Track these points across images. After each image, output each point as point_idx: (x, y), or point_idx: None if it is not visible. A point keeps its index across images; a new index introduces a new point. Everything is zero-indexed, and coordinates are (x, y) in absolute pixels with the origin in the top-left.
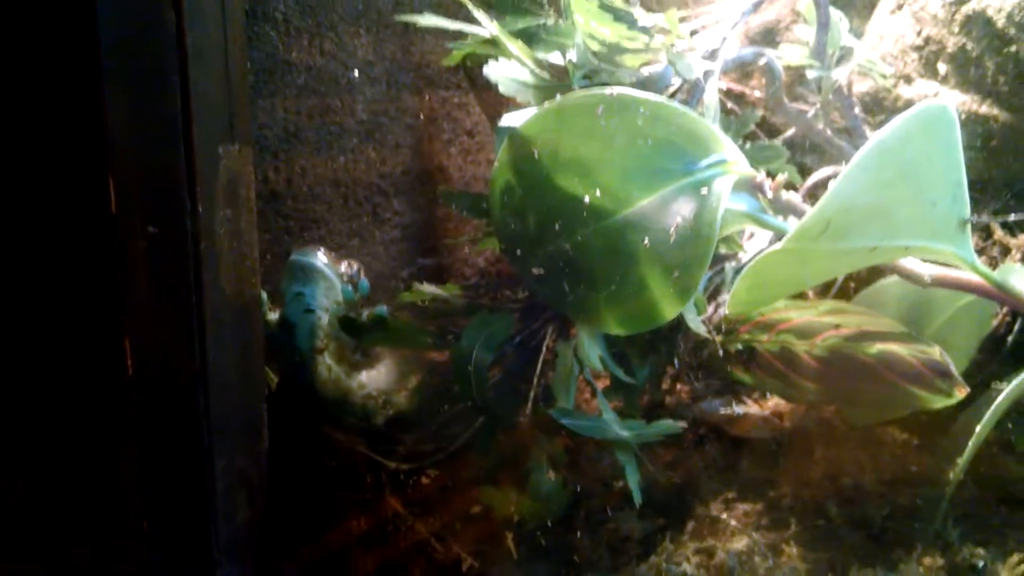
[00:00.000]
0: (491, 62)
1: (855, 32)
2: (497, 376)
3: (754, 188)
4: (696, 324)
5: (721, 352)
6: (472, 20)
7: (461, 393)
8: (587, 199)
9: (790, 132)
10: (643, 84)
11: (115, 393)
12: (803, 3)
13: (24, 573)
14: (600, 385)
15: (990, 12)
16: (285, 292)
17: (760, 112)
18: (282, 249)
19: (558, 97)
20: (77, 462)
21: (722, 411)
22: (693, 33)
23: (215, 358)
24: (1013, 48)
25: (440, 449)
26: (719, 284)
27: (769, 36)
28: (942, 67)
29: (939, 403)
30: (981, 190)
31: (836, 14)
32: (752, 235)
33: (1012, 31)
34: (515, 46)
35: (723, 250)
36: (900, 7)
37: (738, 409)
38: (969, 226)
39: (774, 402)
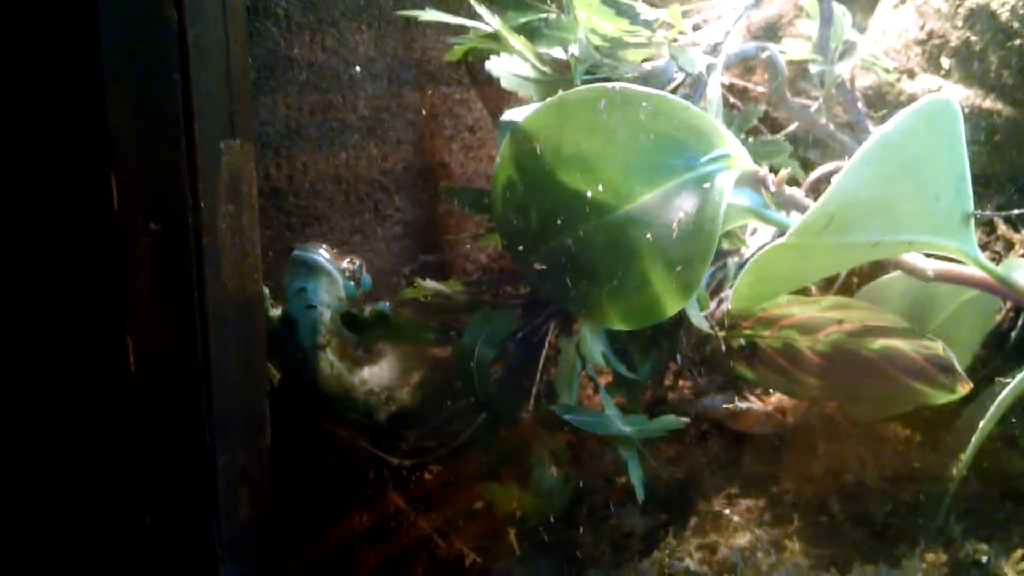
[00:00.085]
0: (493, 57)
1: (858, 26)
2: (499, 372)
3: (757, 183)
4: (699, 320)
5: (724, 348)
6: (474, 15)
7: (463, 389)
8: (589, 194)
9: (793, 127)
10: (645, 79)
11: (117, 390)
12: None
13: (26, 571)
14: (602, 381)
15: (994, 6)
16: (287, 288)
17: (763, 107)
18: (284, 245)
19: (560, 92)
20: (79, 459)
21: (725, 407)
22: (695, 28)
23: (217, 354)
24: (1017, 42)
25: (442, 445)
26: (722, 279)
27: (772, 31)
28: (945, 61)
29: (942, 399)
30: (985, 185)
31: (839, 8)
32: (755, 230)
33: (1016, 25)
34: (517, 41)
35: (726, 245)
36: (903, 1)
37: (741, 405)
38: (972, 221)
39: (777, 398)
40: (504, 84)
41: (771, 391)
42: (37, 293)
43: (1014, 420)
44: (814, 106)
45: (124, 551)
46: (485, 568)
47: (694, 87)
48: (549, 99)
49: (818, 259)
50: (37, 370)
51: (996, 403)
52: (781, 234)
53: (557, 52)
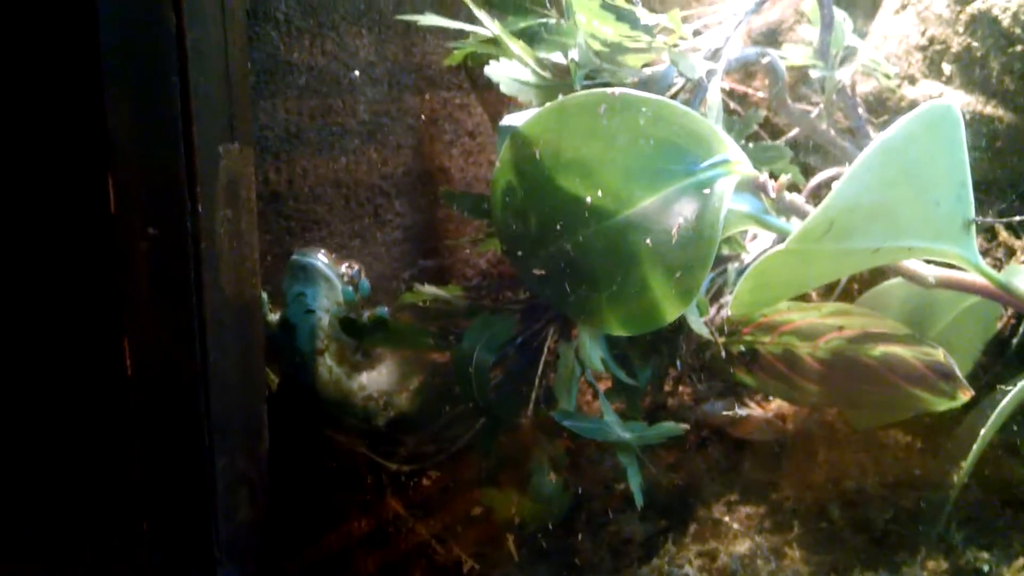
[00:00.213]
0: (492, 62)
1: (859, 32)
2: (498, 377)
3: (757, 189)
4: (698, 325)
5: (723, 354)
6: (473, 20)
7: (462, 394)
8: (589, 199)
9: (793, 132)
10: (645, 84)
11: (115, 393)
12: (807, 3)
13: (24, 573)
14: (602, 387)
15: (995, 12)
16: (286, 293)
17: (763, 112)
18: (283, 250)
19: (560, 97)
20: (77, 462)
21: (724, 413)
22: (696, 33)
23: (215, 359)
24: (1019, 48)
25: (441, 450)
26: (721, 285)
27: (772, 36)
28: (947, 67)
29: (943, 406)
30: (986, 191)
31: (840, 14)
32: (755, 236)
33: (1018, 31)
34: (517, 46)
35: (726, 251)
36: (904, 7)
37: (740, 411)
38: (974, 227)
39: (777, 404)
40: (504, 89)
41: (771, 397)
42: (35, 297)
43: (1015, 427)
44: (815, 112)
45: (123, 553)
46: (483, 574)
47: (694, 92)
48: (549, 104)
49: (818, 265)
50: (35, 374)
51: (997, 410)
52: (781, 240)
53: (557, 57)
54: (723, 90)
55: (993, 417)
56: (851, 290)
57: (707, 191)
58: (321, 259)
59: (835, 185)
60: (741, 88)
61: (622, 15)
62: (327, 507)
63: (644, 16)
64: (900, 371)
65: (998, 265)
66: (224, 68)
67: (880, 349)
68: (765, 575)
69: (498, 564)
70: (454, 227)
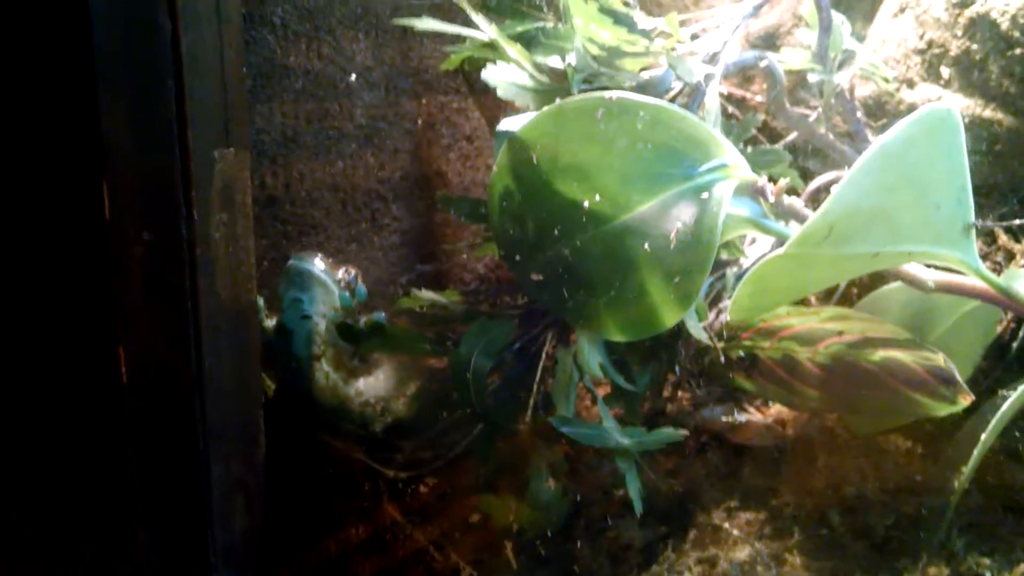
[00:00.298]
0: (490, 66)
1: (857, 36)
2: (496, 383)
3: (756, 193)
4: (697, 330)
5: (723, 359)
6: (471, 24)
7: (460, 400)
8: (586, 204)
9: (792, 136)
10: (643, 88)
11: (110, 400)
12: (805, 7)
13: None
14: (601, 392)
15: (994, 15)
16: (282, 298)
17: (761, 117)
18: (280, 255)
19: (557, 101)
20: (73, 469)
21: (724, 418)
22: (694, 37)
23: (211, 364)
24: (1018, 51)
25: (439, 457)
26: (720, 290)
27: (770, 40)
28: (945, 71)
29: (943, 410)
30: (986, 195)
31: (838, 18)
32: (754, 241)
33: (1016, 34)
34: (514, 50)
35: (724, 256)
36: (903, 10)
37: (740, 417)
38: (974, 231)
39: (776, 410)
40: (501, 93)
41: (771, 403)
42: (29, 303)
43: (1016, 433)
44: (813, 115)
45: (119, 561)
46: None
47: (692, 96)
48: (546, 108)
49: (818, 270)
50: (30, 380)
51: (998, 415)
52: (780, 244)
53: (554, 61)
54: (721, 94)
55: (994, 422)
56: (850, 295)
57: (705, 195)
58: (318, 264)
59: (834, 189)
60: (739, 92)
61: (620, 19)
62: (324, 514)
63: (642, 20)
64: (900, 376)
65: (998, 269)
66: (219, 72)
67: (880, 354)
68: None
69: (496, 571)
70: (452, 232)
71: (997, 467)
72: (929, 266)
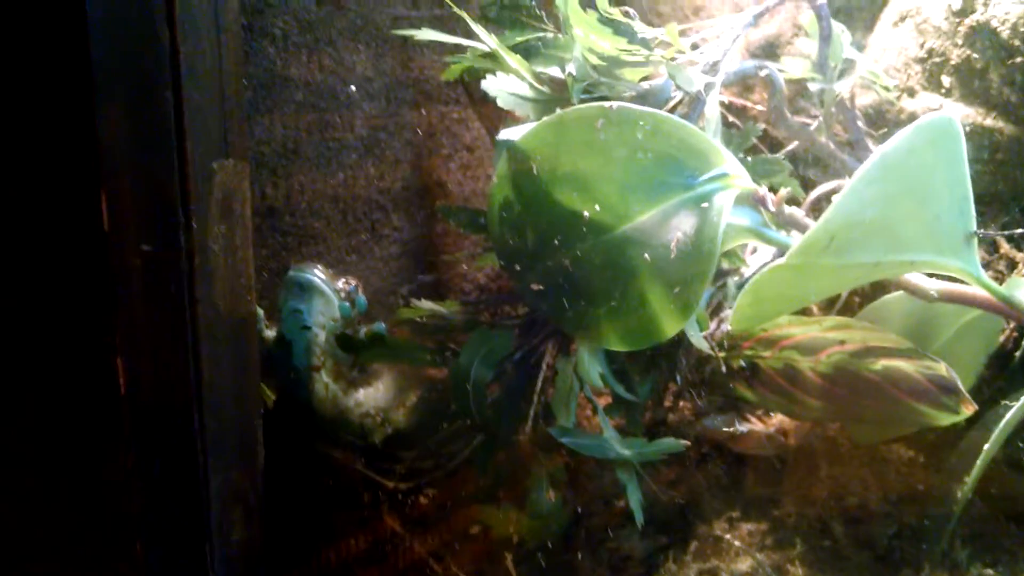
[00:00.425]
0: (489, 76)
1: (857, 45)
2: (496, 393)
3: (756, 202)
4: (698, 340)
5: (724, 369)
6: (471, 34)
7: (460, 411)
8: (586, 214)
9: (792, 146)
10: (643, 97)
11: (108, 411)
12: (805, 16)
13: None
14: (601, 402)
15: (994, 23)
16: (282, 309)
17: (762, 126)
18: (280, 265)
19: (558, 111)
20: (70, 480)
21: (725, 428)
22: (694, 47)
23: (210, 376)
24: (1018, 60)
25: (438, 467)
26: (721, 300)
27: (770, 50)
28: (946, 79)
29: (946, 420)
30: (988, 204)
31: (838, 27)
32: (755, 250)
33: (1017, 42)
34: (514, 60)
35: (725, 265)
36: (903, 19)
37: (741, 426)
38: (975, 240)
39: (778, 419)
40: (501, 103)
41: (772, 412)
42: (28, 314)
43: (1020, 443)
44: (814, 125)
45: (116, 572)
46: None
47: (692, 106)
48: (546, 118)
49: (819, 279)
50: (28, 392)
51: (1001, 424)
52: (781, 254)
53: (554, 71)
54: (721, 104)
55: (997, 432)
56: (852, 304)
57: (706, 205)
58: (317, 275)
59: (835, 199)
60: (740, 102)
61: (620, 29)
62: (323, 525)
63: (642, 30)
64: (902, 385)
65: (1000, 278)
66: (218, 83)
67: (882, 363)
68: None
69: None
70: (452, 242)
71: (1000, 477)
72: (931, 275)
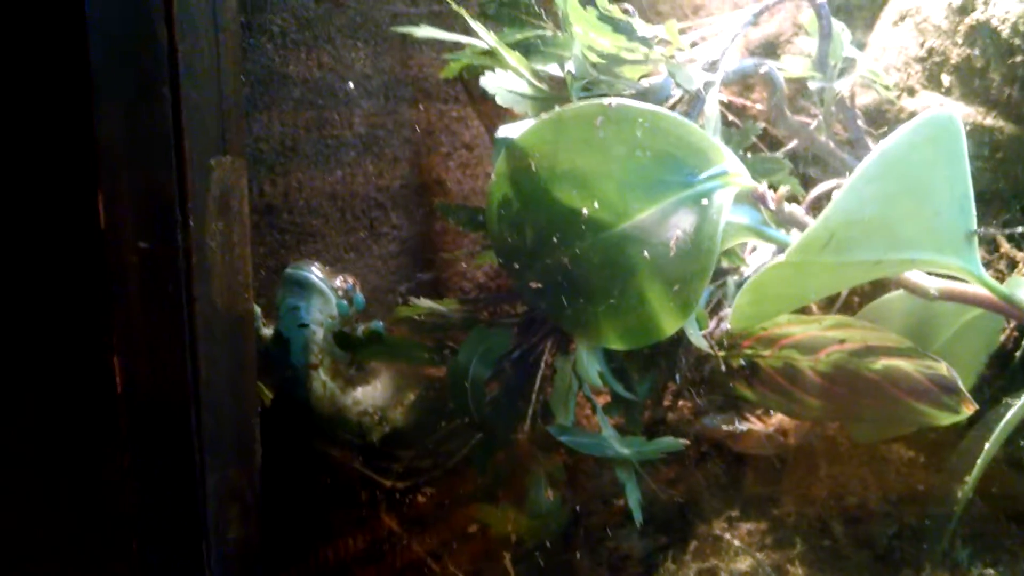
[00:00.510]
0: (488, 73)
1: (857, 44)
2: (495, 392)
3: (756, 200)
4: (697, 339)
5: (723, 368)
6: (470, 32)
7: (458, 409)
8: (585, 211)
9: (792, 144)
10: (642, 95)
11: (105, 409)
12: (805, 15)
13: None
14: (600, 401)
15: (994, 22)
16: (280, 306)
17: (762, 125)
18: (278, 263)
19: (556, 108)
20: (66, 479)
21: (725, 427)
22: (693, 45)
23: (207, 374)
24: (1018, 58)
25: (436, 466)
26: (721, 298)
27: (770, 49)
28: (946, 78)
29: (946, 420)
30: (988, 202)
31: (838, 25)
32: (754, 249)
33: (1017, 41)
34: (513, 57)
35: (725, 264)
36: (903, 18)
37: (741, 425)
38: (976, 238)
39: (777, 419)
40: (499, 100)
41: (772, 412)
42: (24, 312)
43: (1021, 442)
44: (814, 124)
45: (112, 571)
46: None
47: (692, 104)
48: (545, 115)
49: (819, 277)
50: (23, 390)
51: (1002, 424)
52: (781, 252)
53: (554, 69)
54: (721, 103)
55: (997, 431)
56: (852, 303)
57: (705, 203)
58: (315, 272)
59: (835, 196)
60: (739, 101)
61: (619, 27)
62: (321, 524)
63: (641, 28)
64: (903, 385)
65: (1000, 277)
66: (216, 80)
67: (882, 362)
68: None
69: None
70: (451, 240)
71: (1001, 477)
72: (931, 274)
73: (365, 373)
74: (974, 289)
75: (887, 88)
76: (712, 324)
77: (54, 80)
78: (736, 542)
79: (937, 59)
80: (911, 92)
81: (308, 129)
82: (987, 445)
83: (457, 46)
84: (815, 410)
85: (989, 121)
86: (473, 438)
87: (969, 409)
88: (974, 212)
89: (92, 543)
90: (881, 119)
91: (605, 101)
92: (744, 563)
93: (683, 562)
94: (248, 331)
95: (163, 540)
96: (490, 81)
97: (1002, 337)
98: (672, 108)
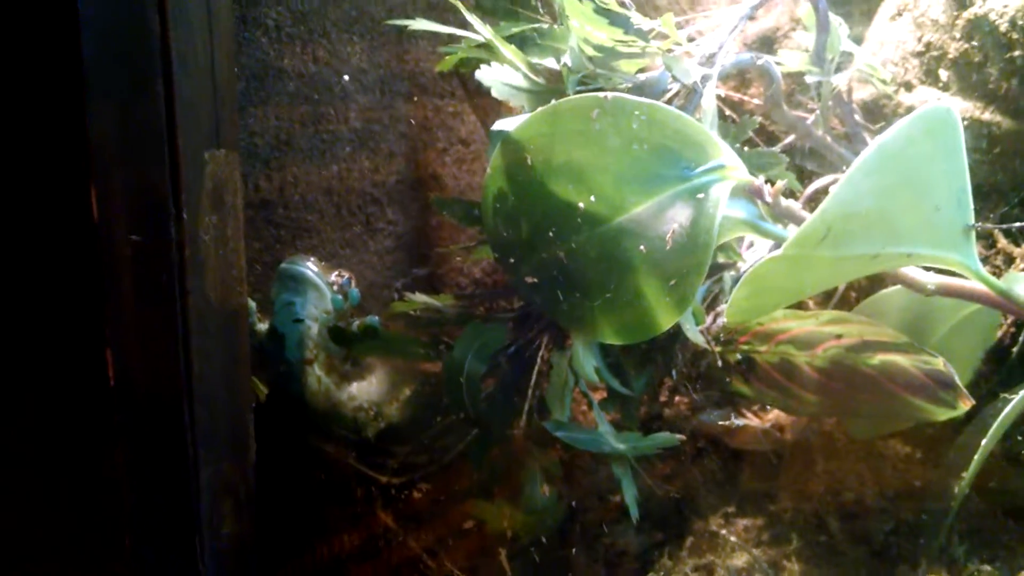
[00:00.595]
0: (484, 66)
1: (855, 38)
2: (490, 387)
3: (753, 194)
4: (694, 334)
5: (720, 363)
6: (466, 25)
7: (453, 405)
8: (581, 205)
9: (790, 139)
10: (639, 89)
11: (97, 404)
12: (802, 9)
13: None
14: (597, 397)
15: (992, 17)
16: (275, 301)
17: (758, 118)
18: (274, 258)
19: (553, 101)
20: (58, 474)
21: (721, 423)
22: (690, 39)
23: (201, 368)
24: (1017, 52)
25: (432, 462)
26: (717, 294)
27: (767, 43)
28: (944, 73)
29: (943, 415)
30: (986, 196)
31: (835, 20)
32: (751, 244)
33: (1015, 35)
34: (509, 51)
35: (721, 259)
36: (900, 13)
37: (737, 421)
38: (973, 233)
39: (774, 414)
40: (495, 93)
41: (768, 407)
42: (16, 306)
43: (1018, 437)
44: (811, 118)
45: (105, 566)
46: None
47: (689, 98)
48: (541, 108)
49: (815, 272)
50: (16, 384)
51: (999, 420)
52: (778, 246)
53: (550, 62)
54: (718, 97)
55: (994, 426)
56: (849, 298)
57: (702, 196)
58: (310, 267)
59: (832, 189)
60: (736, 95)
61: (615, 20)
62: (316, 520)
63: (638, 21)
64: (899, 380)
65: (997, 272)
66: (210, 72)
67: (879, 358)
68: None
69: None
70: (447, 235)
71: (998, 472)
72: (928, 269)
73: (360, 369)
74: (971, 284)
75: (884, 83)
76: (709, 320)
77: (47, 73)
78: (732, 538)
79: (935, 53)
80: (908, 87)
81: (303, 124)
82: (984, 441)
83: (453, 39)
84: (812, 406)
85: (987, 116)
86: (469, 434)
87: (966, 405)
88: (972, 206)
89: (84, 538)
90: (878, 114)
91: (601, 94)
92: (740, 559)
93: (679, 558)
94: (242, 325)
95: (156, 535)
96: (486, 74)
97: (999, 333)
98: (669, 102)
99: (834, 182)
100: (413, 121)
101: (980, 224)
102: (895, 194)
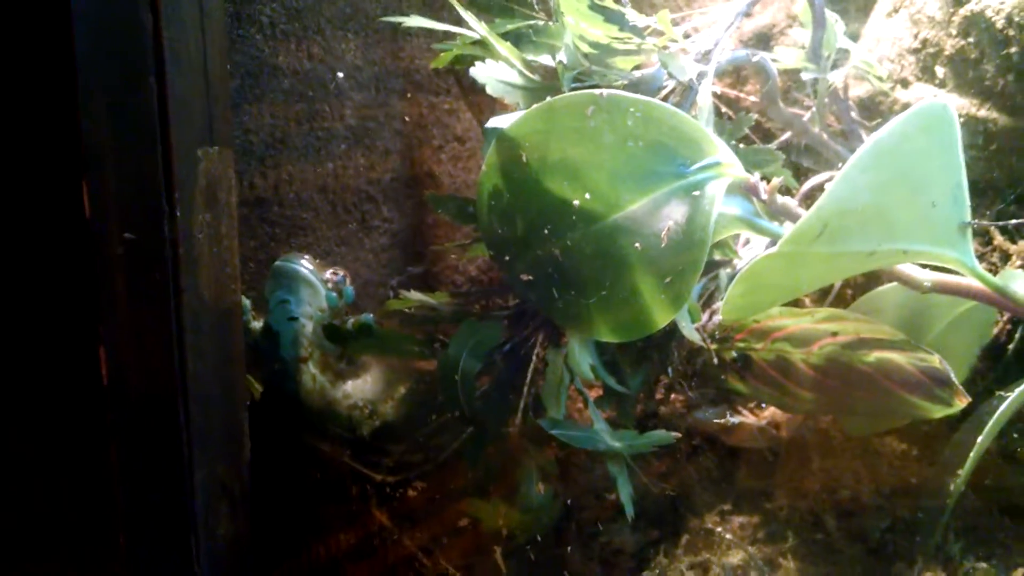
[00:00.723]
0: (479, 63)
1: (851, 35)
2: (486, 385)
3: (749, 191)
4: (690, 331)
5: (716, 360)
6: (461, 22)
7: (448, 403)
8: (576, 202)
9: (786, 136)
10: (635, 86)
11: (90, 403)
12: (798, 5)
13: None
14: (592, 394)
15: (989, 13)
16: (269, 299)
17: (755, 116)
18: (268, 256)
19: (548, 99)
20: (52, 474)
21: (717, 421)
22: (686, 36)
23: (195, 366)
24: (1013, 49)
25: (427, 460)
26: (713, 291)
27: (763, 40)
28: (940, 70)
29: (939, 412)
30: (982, 193)
31: (832, 16)
32: (747, 241)
33: (1012, 32)
34: (504, 47)
35: (717, 256)
36: (897, 10)
37: (733, 419)
38: (970, 230)
39: (770, 412)
40: (490, 90)
41: (764, 405)
42: (8, 304)
43: (1014, 434)
44: (807, 115)
45: (99, 567)
46: None
47: (685, 95)
48: (536, 105)
49: (811, 269)
50: (8, 384)
51: (995, 417)
52: (774, 244)
53: (545, 59)
54: (714, 94)
55: (990, 424)
56: (845, 295)
57: (697, 193)
58: (305, 265)
59: (828, 186)
60: (732, 92)
61: (611, 17)
62: (311, 519)
63: (633, 18)
64: (895, 377)
65: (993, 270)
66: (203, 69)
67: (875, 355)
68: None
69: None
70: (443, 233)
71: (994, 470)
72: (924, 266)
73: (355, 366)
74: (967, 281)
75: (881, 79)
76: (704, 317)
77: (39, 70)
78: (728, 536)
79: (931, 50)
80: (905, 83)
81: (298, 121)
82: (980, 438)
83: (448, 36)
84: (808, 403)
85: (983, 112)
86: (464, 432)
87: (962, 402)
88: (968, 203)
89: (79, 538)
90: (875, 110)
91: (596, 91)
92: (736, 557)
93: (675, 556)
94: (236, 323)
95: (151, 535)
96: (481, 71)
97: (995, 330)
98: (665, 99)
99: (830, 179)
100: (408, 118)
101: (976, 221)
102: (891, 191)
